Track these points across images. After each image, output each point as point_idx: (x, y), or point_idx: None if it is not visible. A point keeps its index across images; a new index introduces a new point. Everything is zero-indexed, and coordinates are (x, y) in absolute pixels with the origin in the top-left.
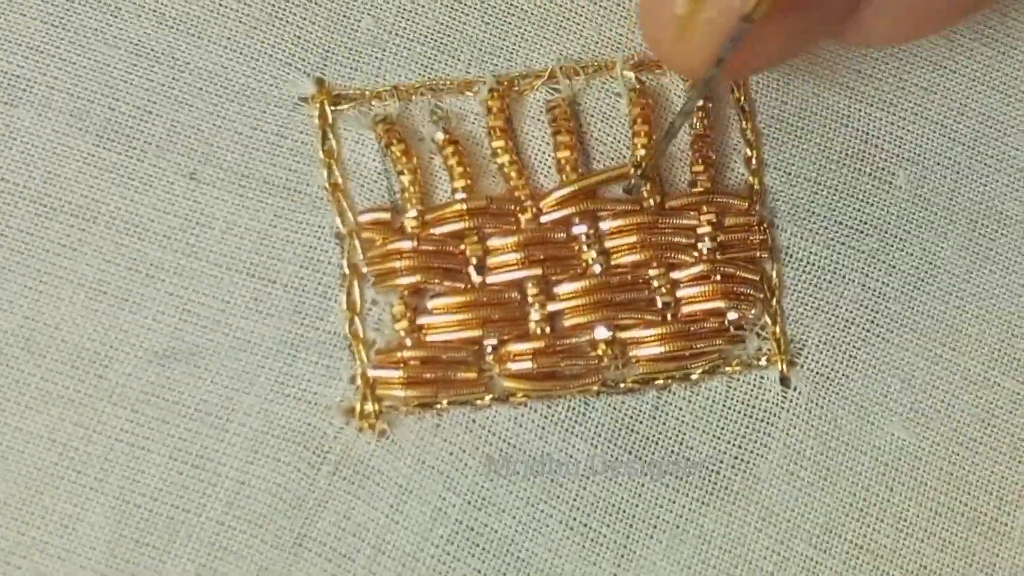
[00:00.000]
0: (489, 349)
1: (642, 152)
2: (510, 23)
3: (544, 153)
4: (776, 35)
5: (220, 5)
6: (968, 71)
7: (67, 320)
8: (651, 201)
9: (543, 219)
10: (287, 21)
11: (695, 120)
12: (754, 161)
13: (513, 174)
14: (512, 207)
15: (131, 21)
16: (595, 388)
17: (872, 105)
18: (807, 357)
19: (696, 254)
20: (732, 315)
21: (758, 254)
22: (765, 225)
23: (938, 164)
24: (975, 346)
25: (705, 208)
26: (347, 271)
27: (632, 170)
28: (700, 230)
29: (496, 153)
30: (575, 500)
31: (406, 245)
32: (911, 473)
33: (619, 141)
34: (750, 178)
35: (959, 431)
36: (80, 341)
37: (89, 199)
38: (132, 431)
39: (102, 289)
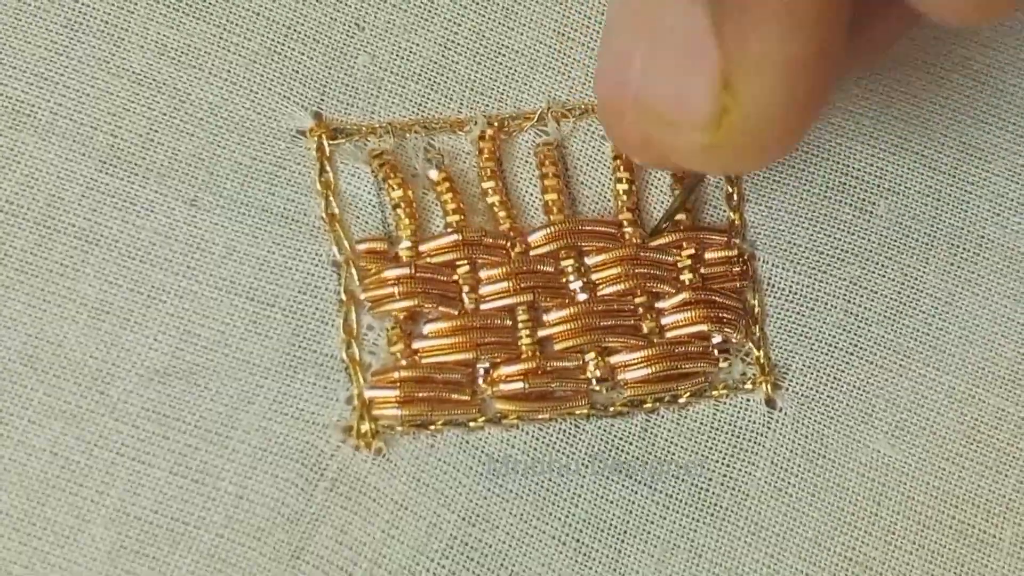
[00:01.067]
0: (481, 372)
1: (624, 198)
2: (501, 64)
3: (532, 194)
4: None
5: (221, 39)
6: (949, 102)
7: (70, 338)
8: (634, 240)
9: (532, 252)
10: (286, 57)
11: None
12: (735, 197)
13: (502, 213)
14: (503, 241)
15: (134, 52)
16: (585, 411)
17: (853, 139)
18: (792, 380)
19: (679, 285)
20: (716, 338)
21: (739, 284)
22: (745, 257)
23: (919, 193)
24: (959, 365)
25: (685, 244)
26: (344, 297)
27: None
28: (680, 264)
29: (486, 193)
30: (567, 516)
31: (402, 272)
32: (898, 488)
33: (603, 184)
34: (731, 214)
35: (945, 447)
36: (82, 359)
37: (92, 222)
38: (133, 446)
39: (104, 309)
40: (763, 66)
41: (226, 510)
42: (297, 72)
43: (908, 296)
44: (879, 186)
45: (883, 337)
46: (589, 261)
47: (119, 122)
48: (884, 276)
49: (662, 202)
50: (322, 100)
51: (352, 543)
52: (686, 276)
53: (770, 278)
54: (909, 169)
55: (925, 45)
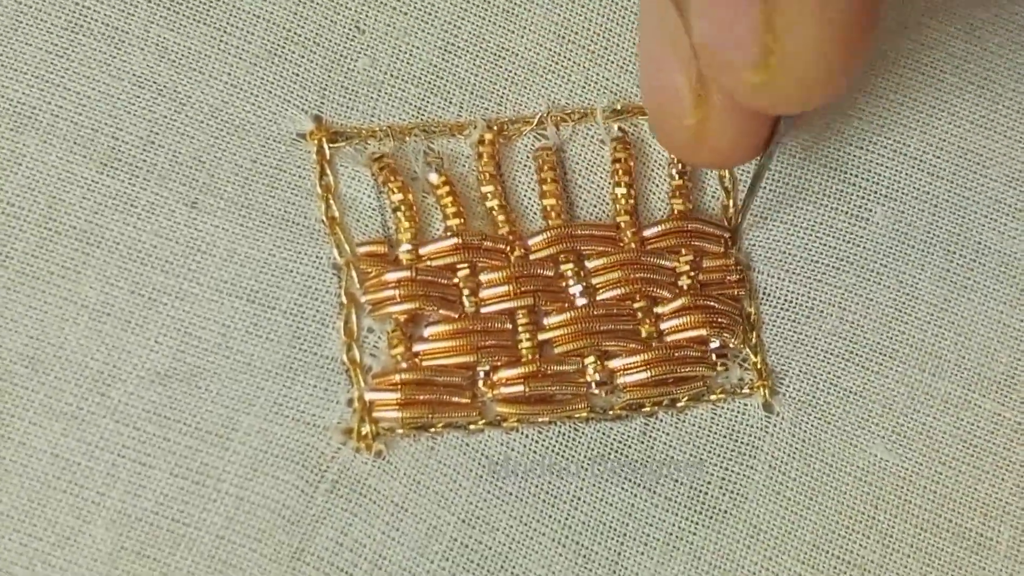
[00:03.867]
0: (482, 375)
1: (622, 202)
2: (500, 67)
3: (531, 199)
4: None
5: (222, 42)
6: (947, 108)
7: (71, 340)
8: (632, 244)
9: (531, 256)
10: (286, 59)
11: (674, 171)
12: (731, 208)
13: (501, 217)
14: (503, 245)
15: (135, 54)
16: (584, 414)
17: (850, 144)
18: (788, 386)
19: (676, 290)
20: (715, 343)
21: (736, 292)
22: (741, 267)
23: (916, 199)
24: (954, 370)
25: (684, 251)
26: (344, 300)
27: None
28: (679, 269)
29: (486, 197)
30: (567, 519)
31: (403, 275)
32: (895, 492)
33: (601, 189)
34: (726, 224)
35: (941, 451)
36: (83, 360)
37: (92, 224)
38: (134, 448)
39: (105, 311)
40: (801, 13)
41: (227, 511)
42: (297, 75)
43: (904, 303)
44: (876, 192)
45: (879, 343)
46: (589, 265)
47: (120, 124)
48: (879, 283)
49: (660, 208)
50: (322, 103)
51: (352, 545)
52: (684, 281)
53: (766, 287)
54: (906, 174)
55: (923, 47)
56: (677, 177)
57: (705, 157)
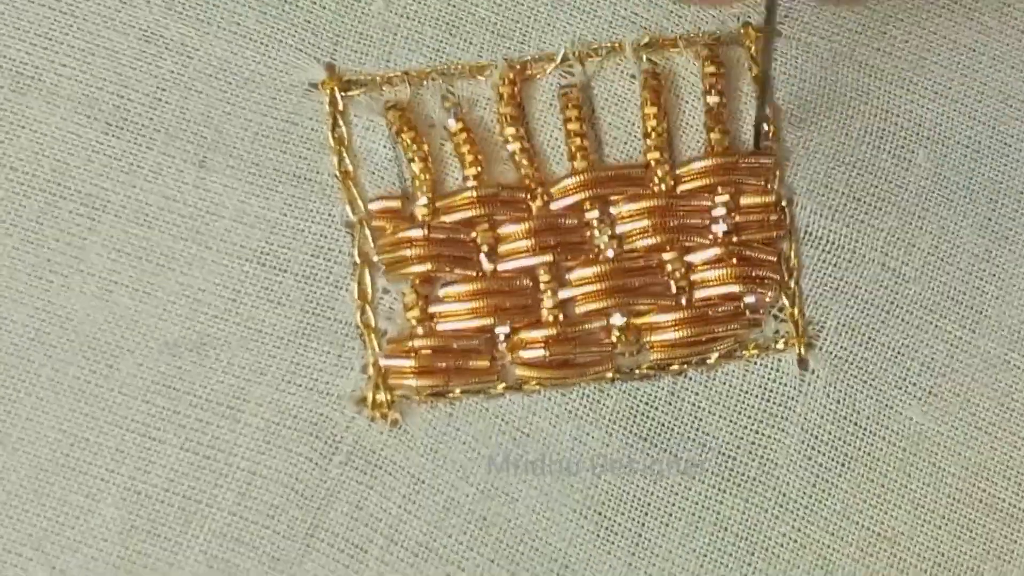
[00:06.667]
0: (501, 337)
1: (652, 137)
2: (522, 5)
3: (556, 139)
4: None
5: None
6: (988, 51)
7: (77, 311)
8: (662, 186)
9: (554, 206)
10: (296, 6)
11: (709, 99)
12: (771, 135)
13: (525, 161)
14: (523, 194)
15: (140, 8)
16: (609, 375)
17: (891, 83)
18: (825, 339)
19: (711, 236)
20: (749, 299)
21: (775, 234)
22: (783, 203)
23: (957, 143)
24: (994, 327)
25: (720, 189)
26: (358, 260)
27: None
28: (715, 212)
29: (508, 140)
30: (589, 489)
31: (417, 233)
32: (928, 459)
33: (632, 125)
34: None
35: (977, 415)
36: (90, 332)
37: (98, 188)
38: (143, 421)
39: (112, 279)
40: None
41: (239, 487)
42: (308, 22)
43: (945, 251)
44: (918, 133)
45: (919, 295)
46: (615, 211)
47: (125, 82)
48: (921, 229)
49: (695, 144)
50: (335, 50)
51: (368, 519)
52: (720, 227)
53: (807, 225)
54: (948, 117)
55: None
56: (713, 105)
57: None
